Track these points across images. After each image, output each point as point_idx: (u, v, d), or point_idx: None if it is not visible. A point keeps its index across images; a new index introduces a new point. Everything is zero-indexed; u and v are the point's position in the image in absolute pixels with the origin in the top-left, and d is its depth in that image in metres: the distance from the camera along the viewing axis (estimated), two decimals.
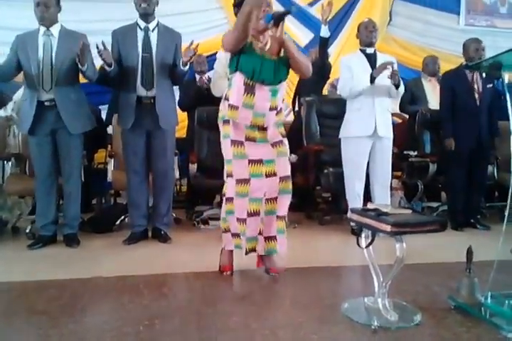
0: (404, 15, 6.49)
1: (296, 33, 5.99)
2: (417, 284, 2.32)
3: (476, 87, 3.72)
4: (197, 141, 3.99)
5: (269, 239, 2.44)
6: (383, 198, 3.52)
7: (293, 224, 3.67)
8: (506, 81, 1.92)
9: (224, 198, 2.46)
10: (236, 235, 2.44)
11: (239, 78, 2.34)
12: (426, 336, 1.74)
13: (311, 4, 6.15)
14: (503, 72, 1.88)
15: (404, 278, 2.17)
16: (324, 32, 4.10)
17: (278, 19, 2.28)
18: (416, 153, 4.17)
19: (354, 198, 3.48)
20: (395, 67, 3.38)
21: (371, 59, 3.51)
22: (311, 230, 3.75)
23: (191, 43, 3.02)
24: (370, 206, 1.82)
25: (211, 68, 4.34)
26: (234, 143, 2.38)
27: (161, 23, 3.18)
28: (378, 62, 3.45)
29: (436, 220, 1.69)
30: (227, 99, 2.40)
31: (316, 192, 4.34)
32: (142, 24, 3.12)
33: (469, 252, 1.95)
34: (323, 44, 4.22)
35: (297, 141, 3.96)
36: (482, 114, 3.71)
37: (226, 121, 2.41)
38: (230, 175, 2.43)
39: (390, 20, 6.44)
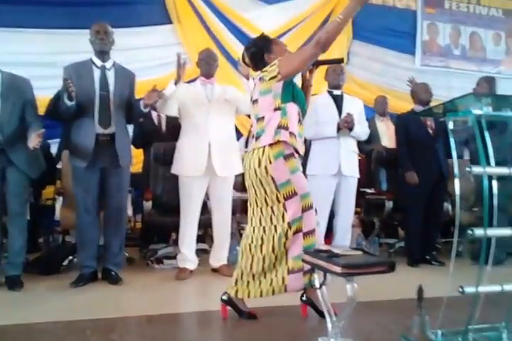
0: (362, 55, 6.79)
1: None
2: (371, 322, 2.36)
3: (428, 122, 3.94)
4: (152, 177, 4.01)
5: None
6: (344, 236, 3.64)
7: None
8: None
9: (302, 233, 2.30)
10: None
11: (293, 108, 2.38)
12: None
13: (279, 36, 6.39)
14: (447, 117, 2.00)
15: (359, 316, 2.21)
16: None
17: (323, 63, 2.51)
18: (372, 190, 4.32)
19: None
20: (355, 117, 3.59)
21: (338, 100, 3.71)
22: None
23: (154, 88, 3.13)
24: (322, 247, 1.89)
25: None
26: (305, 175, 2.44)
27: (116, 62, 3.26)
28: (345, 104, 3.68)
29: (385, 262, 1.77)
30: (284, 127, 2.32)
31: None
32: (98, 62, 3.17)
33: (420, 290, 2.02)
34: None
35: None
36: (439, 150, 3.91)
37: (289, 155, 2.32)
38: (309, 208, 2.33)
39: (348, 60, 6.77)
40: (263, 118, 2.38)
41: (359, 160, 3.90)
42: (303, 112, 2.44)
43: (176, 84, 3.23)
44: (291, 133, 2.31)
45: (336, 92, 3.76)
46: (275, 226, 2.32)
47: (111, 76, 3.18)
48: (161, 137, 4.12)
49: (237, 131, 5.01)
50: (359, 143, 4.36)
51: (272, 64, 2.38)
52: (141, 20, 5.51)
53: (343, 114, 3.63)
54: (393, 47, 6.88)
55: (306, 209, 2.33)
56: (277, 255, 2.31)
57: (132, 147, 3.82)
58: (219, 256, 3.51)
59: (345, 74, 3.83)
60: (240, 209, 3.96)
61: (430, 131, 3.93)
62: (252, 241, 2.36)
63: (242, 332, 2.34)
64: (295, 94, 2.40)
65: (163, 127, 4.29)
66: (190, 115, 3.38)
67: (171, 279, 3.31)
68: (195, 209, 3.40)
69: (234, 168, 3.40)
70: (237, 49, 5.66)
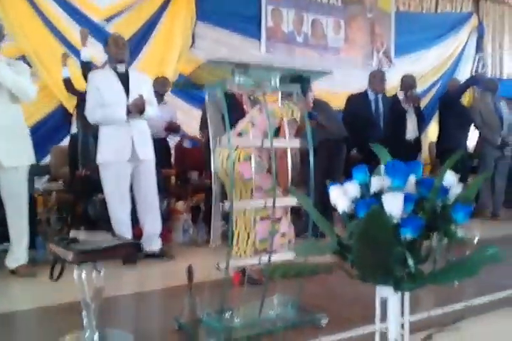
0: (208, 38, 6.81)
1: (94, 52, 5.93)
2: (147, 311, 2.39)
3: None
4: None
5: None
6: (153, 222, 3.60)
7: None
8: None
9: None
10: None
11: None
12: None
13: (107, 20, 6.15)
14: None
15: (135, 306, 2.22)
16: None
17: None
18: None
19: (120, 225, 3.48)
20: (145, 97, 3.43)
21: (123, 78, 3.47)
22: None
23: None
24: (72, 234, 1.82)
25: None
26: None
27: None
28: (132, 83, 3.47)
29: (129, 243, 1.76)
30: None
31: None
32: None
33: (190, 271, 2.07)
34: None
35: None
36: None
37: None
38: None
39: (193, 42, 6.74)
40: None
41: None
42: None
43: None
44: None
45: (120, 68, 3.51)
46: None
47: None
48: None
49: None
50: None
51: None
52: None
53: (132, 94, 3.43)
54: (239, 32, 6.94)
55: None
56: None
57: None
58: (16, 256, 3.21)
59: (127, 47, 3.60)
60: None
61: None
62: None
63: None
64: None
65: None
66: None
67: None
68: None
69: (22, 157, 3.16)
70: (68, 25, 5.40)
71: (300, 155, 4.39)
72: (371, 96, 5.06)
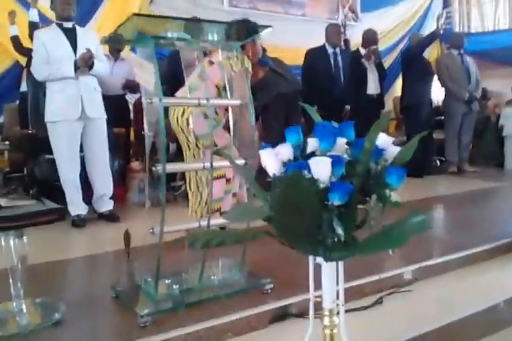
0: None
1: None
2: (82, 278, 2.30)
3: None
4: None
5: None
6: (103, 182, 3.50)
7: None
8: None
9: None
10: None
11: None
12: (63, 333, 1.72)
13: None
14: None
15: (73, 274, 2.13)
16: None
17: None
18: None
19: (70, 185, 3.40)
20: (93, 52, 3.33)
21: (70, 35, 3.37)
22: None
23: None
24: None
25: None
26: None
27: None
28: (79, 38, 3.37)
29: (51, 209, 1.65)
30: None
31: None
32: None
33: (126, 236, 1.98)
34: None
35: None
36: None
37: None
38: None
39: None
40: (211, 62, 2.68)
41: None
42: None
43: None
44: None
45: (67, 25, 3.39)
46: None
47: None
48: None
49: None
50: None
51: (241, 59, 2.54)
52: None
53: (80, 50, 3.33)
54: None
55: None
56: None
57: None
58: None
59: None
60: None
61: None
62: None
63: None
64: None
65: None
66: None
67: None
68: None
69: None
70: None
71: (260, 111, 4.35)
72: (329, 49, 4.99)
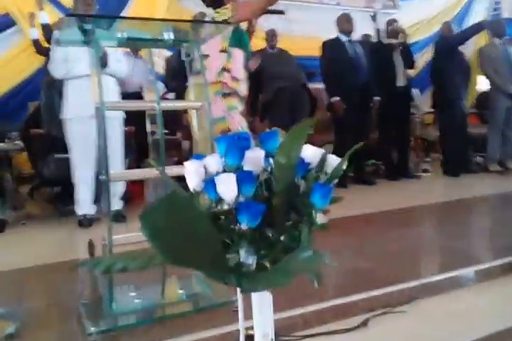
0: None
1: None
2: (49, 286, 2.23)
3: None
4: None
5: None
6: (115, 184, 3.46)
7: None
8: None
9: None
10: None
11: (239, 53, 2.59)
12: None
13: None
14: None
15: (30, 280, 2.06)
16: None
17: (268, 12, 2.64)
18: None
19: (82, 184, 3.43)
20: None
21: None
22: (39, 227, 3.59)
23: None
24: None
25: None
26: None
27: None
28: None
29: None
30: (227, 70, 2.56)
31: None
32: None
33: (90, 245, 1.90)
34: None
35: None
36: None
37: (228, 94, 2.62)
38: None
39: None
40: (207, 56, 2.48)
41: None
42: (247, 56, 2.69)
43: None
44: (233, 78, 2.55)
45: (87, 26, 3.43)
46: None
47: None
48: None
49: None
50: None
51: (224, 7, 2.47)
52: None
53: None
54: None
55: None
56: None
57: None
58: None
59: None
60: None
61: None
62: None
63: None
64: (242, 39, 2.62)
65: None
66: None
67: None
68: None
69: None
70: None
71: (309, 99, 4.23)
72: (343, 38, 4.77)
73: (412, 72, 5.22)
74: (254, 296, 1.11)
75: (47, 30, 4.19)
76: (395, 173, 4.89)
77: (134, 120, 3.92)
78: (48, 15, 4.41)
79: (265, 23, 6.09)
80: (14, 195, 3.95)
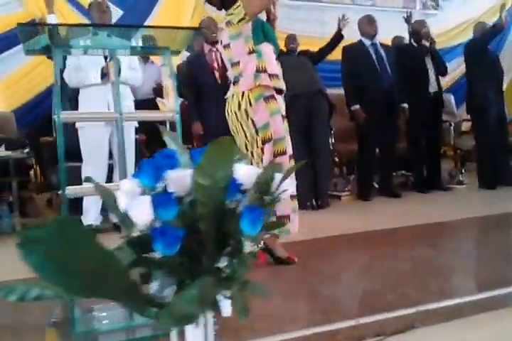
0: None
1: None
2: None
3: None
4: None
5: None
6: None
7: None
8: None
9: None
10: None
11: (268, 47, 2.45)
12: None
13: None
14: None
15: None
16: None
17: None
18: None
19: (91, 196, 3.29)
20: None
21: None
22: None
23: None
24: None
25: None
26: (283, 117, 2.47)
27: None
28: None
29: None
30: (262, 71, 2.41)
31: None
32: None
33: None
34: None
35: None
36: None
37: (270, 97, 2.41)
38: (282, 154, 2.42)
39: None
40: (238, 62, 2.44)
41: None
42: (276, 48, 2.53)
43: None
44: (270, 75, 2.42)
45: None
46: None
47: None
48: None
49: None
50: None
51: (235, 6, 2.38)
52: None
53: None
54: None
55: (278, 154, 2.42)
56: None
57: None
58: None
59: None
60: None
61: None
62: None
63: None
64: (266, 31, 2.46)
65: None
66: None
67: None
68: None
69: None
70: None
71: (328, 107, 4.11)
72: (366, 42, 4.50)
73: (447, 78, 4.97)
74: (188, 327, 1.01)
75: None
76: (425, 185, 4.66)
77: (146, 128, 3.94)
78: (66, 17, 4.37)
79: (301, 26, 6.07)
80: (26, 203, 3.99)
